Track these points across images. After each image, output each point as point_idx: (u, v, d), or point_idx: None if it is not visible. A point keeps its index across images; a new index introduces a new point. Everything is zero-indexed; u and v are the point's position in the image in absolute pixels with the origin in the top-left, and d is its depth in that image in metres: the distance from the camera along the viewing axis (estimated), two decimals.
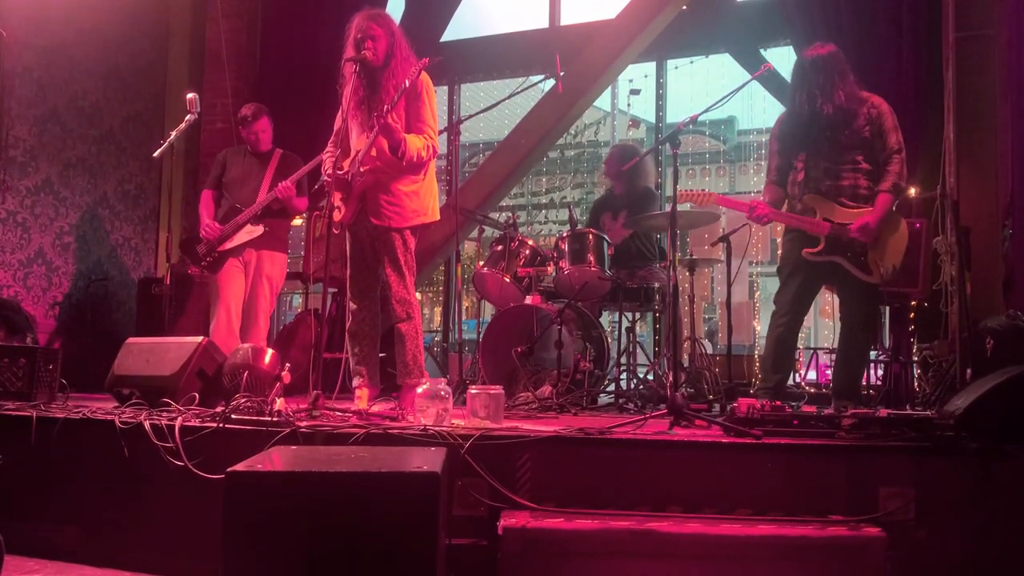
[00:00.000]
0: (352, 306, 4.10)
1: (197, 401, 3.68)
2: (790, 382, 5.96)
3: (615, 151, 5.85)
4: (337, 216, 3.97)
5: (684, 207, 4.35)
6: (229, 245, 4.98)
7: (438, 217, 4.14)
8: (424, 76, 3.97)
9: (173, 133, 4.99)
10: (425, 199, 4.04)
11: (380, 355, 4.24)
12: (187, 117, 4.93)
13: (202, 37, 7.30)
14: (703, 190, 4.21)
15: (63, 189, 6.21)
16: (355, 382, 4.09)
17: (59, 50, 6.17)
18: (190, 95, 4.95)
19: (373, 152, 3.87)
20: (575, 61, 6.63)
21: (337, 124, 4.13)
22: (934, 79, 5.40)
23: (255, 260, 5.00)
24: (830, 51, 4.08)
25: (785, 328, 4.12)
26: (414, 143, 3.85)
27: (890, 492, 2.80)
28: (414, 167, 3.95)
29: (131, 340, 4.22)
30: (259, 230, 4.97)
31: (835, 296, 4.52)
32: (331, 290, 5.70)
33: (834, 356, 4.61)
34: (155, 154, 5.21)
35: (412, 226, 4.01)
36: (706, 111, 3.98)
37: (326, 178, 4.01)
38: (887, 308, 5.26)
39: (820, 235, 4.00)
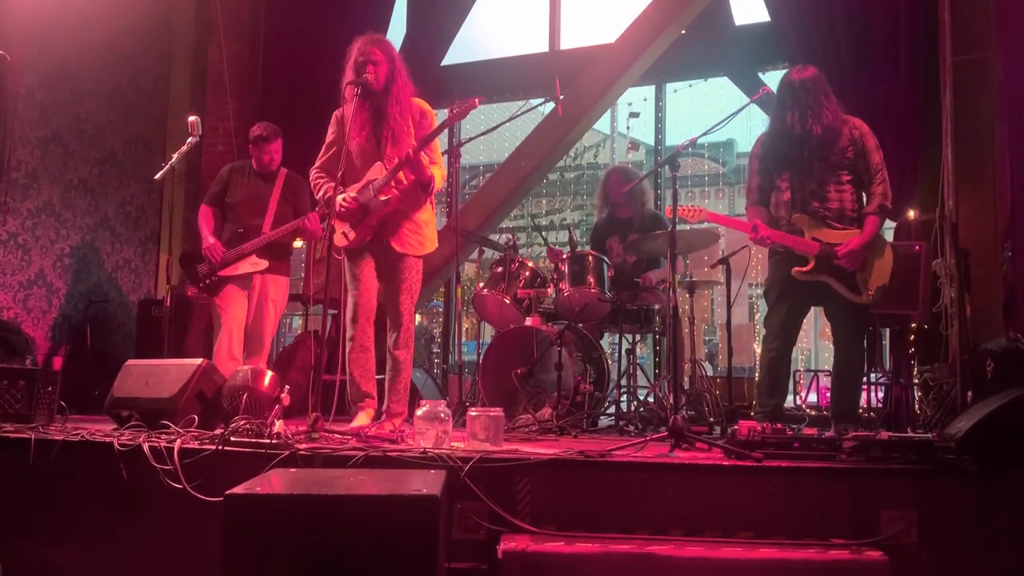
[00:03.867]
0: (352, 331, 4.08)
1: (196, 423, 3.67)
2: (791, 404, 5.96)
3: (619, 174, 5.77)
4: (343, 241, 4.01)
5: (683, 227, 4.36)
6: (231, 272, 4.89)
7: (436, 246, 4.23)
8: (427, 106, 4.10)
9: (175, 155, 5.00)
10: (434, 228, 4.17)
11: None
12: (188, 139, 4.95)
13: (204, 60, 7.35)
14: (693, 206, 4.22)
15: (64, 211, 6.22)
16: (360, 404, 4.07)
17: (62, 72, 6.21)
18: (192, 118, 4.97)
19: (392, 182, 3.93)
20: (575, 84, 6.67)
21: (328, 149, 4.14)
22: (932, 102, 5.43)
23: (259, 284, 4.96)
24: (815, 73, 4.11)
25: (778, 352, 4.12)
26: (437, 174, 3.97)
27: (892, 515, 2.79)
28: (425, 196, 4.05)
29: (130, 362, 4.21)
30: (263, 264, 4.90)
31: None
32: (331, 312, 5.69)
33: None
34: (156, 176, 5.18)
35: (426, 254, 4.12)
36: (705, 134, 3.98)
37: (341, 205, 3.95)
38: (887, 330, 5.26)
39: (810, 254, 4.01)
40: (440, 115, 4.18)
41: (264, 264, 4.92)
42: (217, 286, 4.91)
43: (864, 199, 4.11)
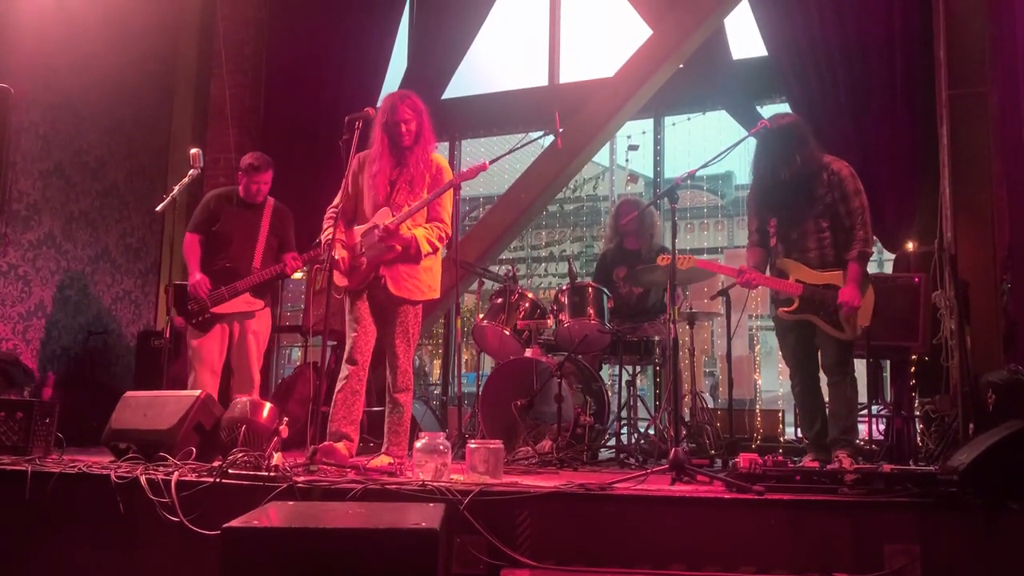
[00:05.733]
0: (346, 372, 4.05)
1: (194, 455, 3.65)
2: (791, 436, 5.93)
3: (630, 205, 5.81)
4: (343, 282, 4.05)
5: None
6: (224, 310, 4.85)
7: (439, 295, 4.23)
8: (445, 163, 4.19)
9: (176, 187, 5.00)
10: (436, 275, 4.18)
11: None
12: (190, 172, 4.95)
13: (207, 93, 7.40)
14: (683, 255, 4.25)
15: (65, 243, 6.24)
16: (340, 444, 3.99)
17: (65, 105, 6.25)
18: (193, 150, 4.98)
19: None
20: (574, 118, 6.72)
21: (345, 190, 4.16)
22: (929, 135, 5.47)
23: (240, 319, 4.92)
24: (790, 120, 4.21)
25: (801, 386, 4.23)
26: (423, 236, 3.98)
27: (895, 549, 2.77)
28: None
29: (129, 394, 4.20)
30: (259, 305, 4.90)
31: None
32: (330, 343, 5.67)
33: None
34: (158, 208, 5.17)
35: (425, 300, 4.11)
36: (704, 166, 4.02)
37: (339, 262, 4.01)
38: (888, 362, 5.25)
39: (794, 295, 4.11)
40: (441, 148, 4.22)
41: (260, 304, 4.90)
42: (208, 323, 4.85)
43: (846, 241, 4.13)
